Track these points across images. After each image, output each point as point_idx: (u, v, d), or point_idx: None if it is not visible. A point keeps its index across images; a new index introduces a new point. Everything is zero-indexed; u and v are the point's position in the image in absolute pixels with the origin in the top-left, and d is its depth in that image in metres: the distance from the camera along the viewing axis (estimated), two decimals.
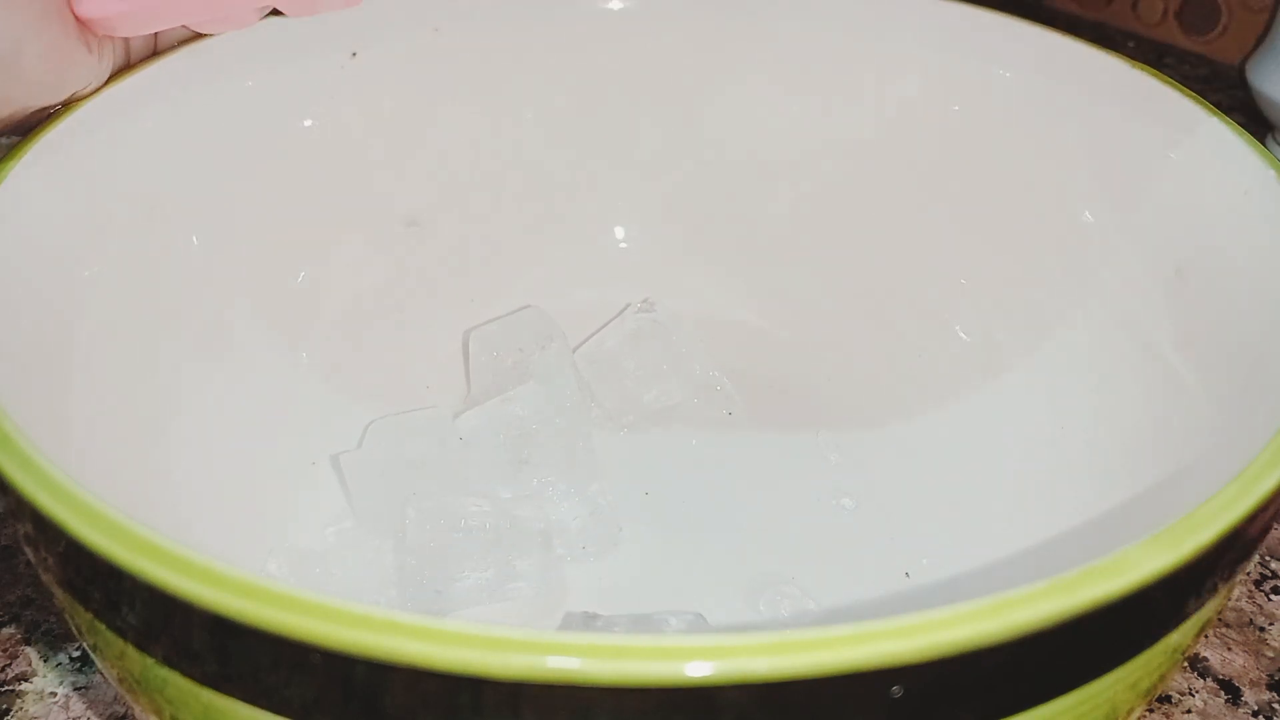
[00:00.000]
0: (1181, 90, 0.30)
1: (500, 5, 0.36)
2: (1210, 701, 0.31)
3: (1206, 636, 0.32)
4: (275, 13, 0.32)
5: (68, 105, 0.28)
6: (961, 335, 0.36)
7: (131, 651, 0.19)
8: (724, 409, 0.36)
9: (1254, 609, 0.33)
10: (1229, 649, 0.32)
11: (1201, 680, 0.31)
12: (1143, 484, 0.27)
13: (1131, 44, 0.64)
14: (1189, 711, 0.31)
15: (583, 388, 0.35)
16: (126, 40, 0.29)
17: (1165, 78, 0.31)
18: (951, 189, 0.35)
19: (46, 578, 0.20)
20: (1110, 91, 0.31)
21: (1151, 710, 0.30)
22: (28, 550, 0.20)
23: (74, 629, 0.21)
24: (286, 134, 0.34)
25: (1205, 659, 0.32)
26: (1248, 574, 0.34)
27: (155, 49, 0.31)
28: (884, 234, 0.37)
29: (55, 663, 0.31)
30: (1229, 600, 0.32)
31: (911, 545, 0.32)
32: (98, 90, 0.29)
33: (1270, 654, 0.32)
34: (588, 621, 0.29)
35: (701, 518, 0.33)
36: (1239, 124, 0.29)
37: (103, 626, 0.19)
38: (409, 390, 0.36)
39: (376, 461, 0.32)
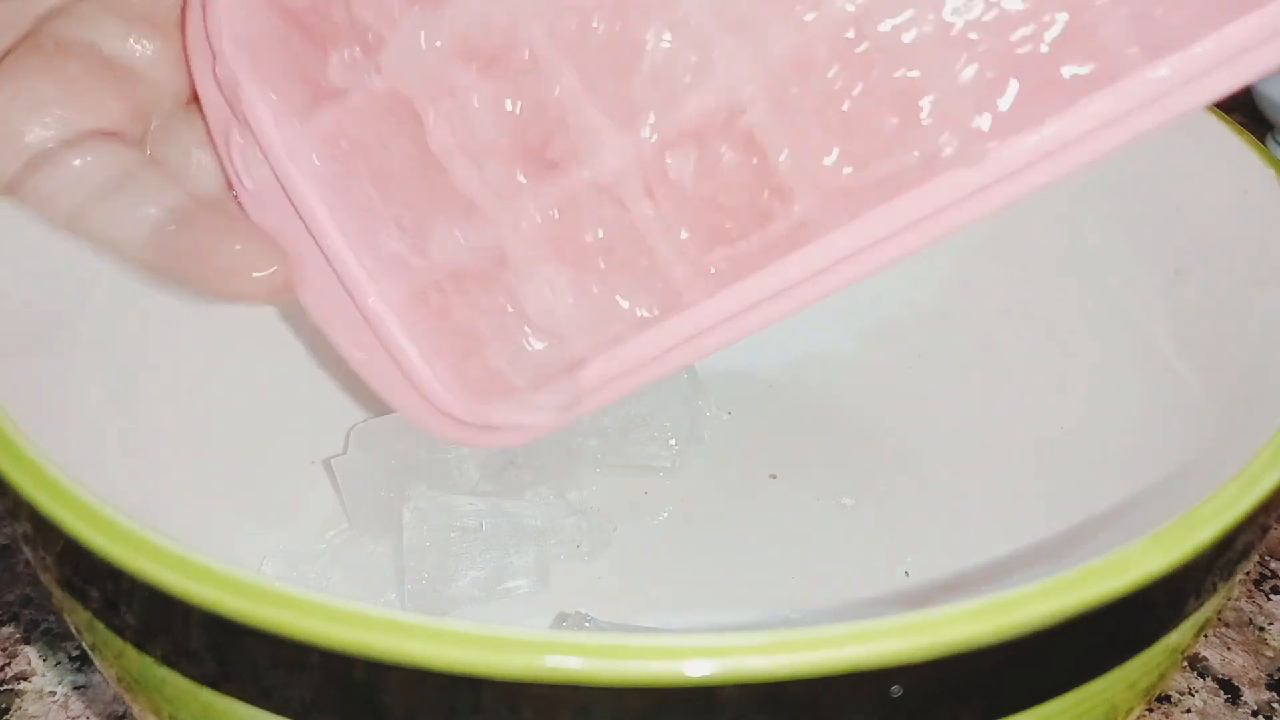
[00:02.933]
0: None
1: None
2: (1210, 701, 0.31)
3: (1206, 636, 0.32)
4: None
5: None
6: (961, 335, 0.36)
7: (130, 651, 0.18)
8: (722, 409, 0.36)
9: (1253, 609, 0.33)
10: (1228, 649, 0.32)
11: (1201, 680, 0.31)
12: (1143, 484, 0.27)
13: None
14: (1189, 711, 0.30)
15: None
16: None
17: None
18: None
19: (45, 577, 0.20)
20: None
21: (1151, 710, 0.30)
22: (27, 550, 0.20)
23: (73, 628, 0.21)
24: None
25: (1205, 659, 0.32)
26: (1247, 574, 0.34)
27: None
28: None
29: (54, 662, 0.31)
30: (1228, 600, 0.32)
31: (911, 544, 0.32)
32: None
33: (1270, 654, 0.32)
34: (579, 622, 0.29)
35: (700, 517, 0.33)
36: (1239, 123, 0.29)
37: (101, 626, 0.19)
38: None
39: (366, 465, 0.32)
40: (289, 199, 0.22)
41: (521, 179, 0.21)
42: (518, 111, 0.21)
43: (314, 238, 0.22)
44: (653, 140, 0.20)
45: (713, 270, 0.21)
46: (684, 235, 0.21)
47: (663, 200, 0.21)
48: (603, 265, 0.21)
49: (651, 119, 0.20)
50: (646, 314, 0.21)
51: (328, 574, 0.30)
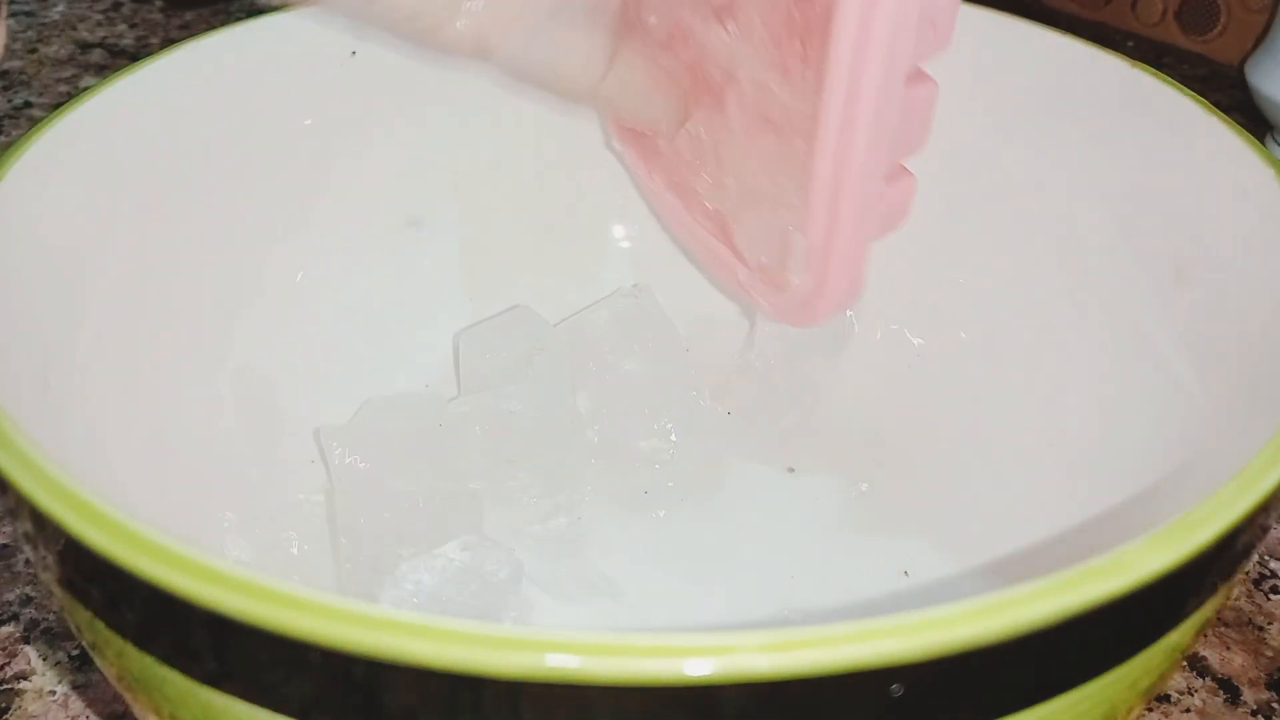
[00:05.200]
0: (1181, 90, 0.30)
1: None
2: (1209, 701, 0.31)
3: (1205, 636, 0.32)
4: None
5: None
6: (961, 335, 0.36)
7: (130, 650, 0.18)
8: (721, 408, 0.36)
9: (1253, 608, 0.33)
10: (1228, 648, 0.32)
11: (1200, 679, 0.31)
12: (1143, 484, 0.27)
13: (1130, 44, 0.64)
14: (1188, 710, 0.31)
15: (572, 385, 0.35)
16: None
17: (1165, 77, 0.31)
18: (951, 188, 0.35)
19: (45, 576, 0.20)
20: (1110, 91, 0.31)
21: (1150, 709, 0.30)
22: (27, 549, 0.20)
23: (73, 627, 0.21)
24: (286, 134, 0.34)
25: (1204, 658, 0.32)
26: (1247, 573, 0.34)
27: None
28: None
29: (54, 661, 0.31)
30: (1228, 600, 0.32)
31: (911, 544, 0.32)
32: (97, 88, 0.29)
33: (1269, 653, 0.32)
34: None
35: (699, 516, 0.33)
36: (1238, 124, 0.29)
37: (101, 625, 0.19)
38: (408, 389, 0.36)
39: (357, 438, 0.32)
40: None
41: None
42: None
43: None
44: None
45: (806, 75, 0.25)
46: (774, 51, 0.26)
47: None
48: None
49: None
50: (802, 146, 0.26)
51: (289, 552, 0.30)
